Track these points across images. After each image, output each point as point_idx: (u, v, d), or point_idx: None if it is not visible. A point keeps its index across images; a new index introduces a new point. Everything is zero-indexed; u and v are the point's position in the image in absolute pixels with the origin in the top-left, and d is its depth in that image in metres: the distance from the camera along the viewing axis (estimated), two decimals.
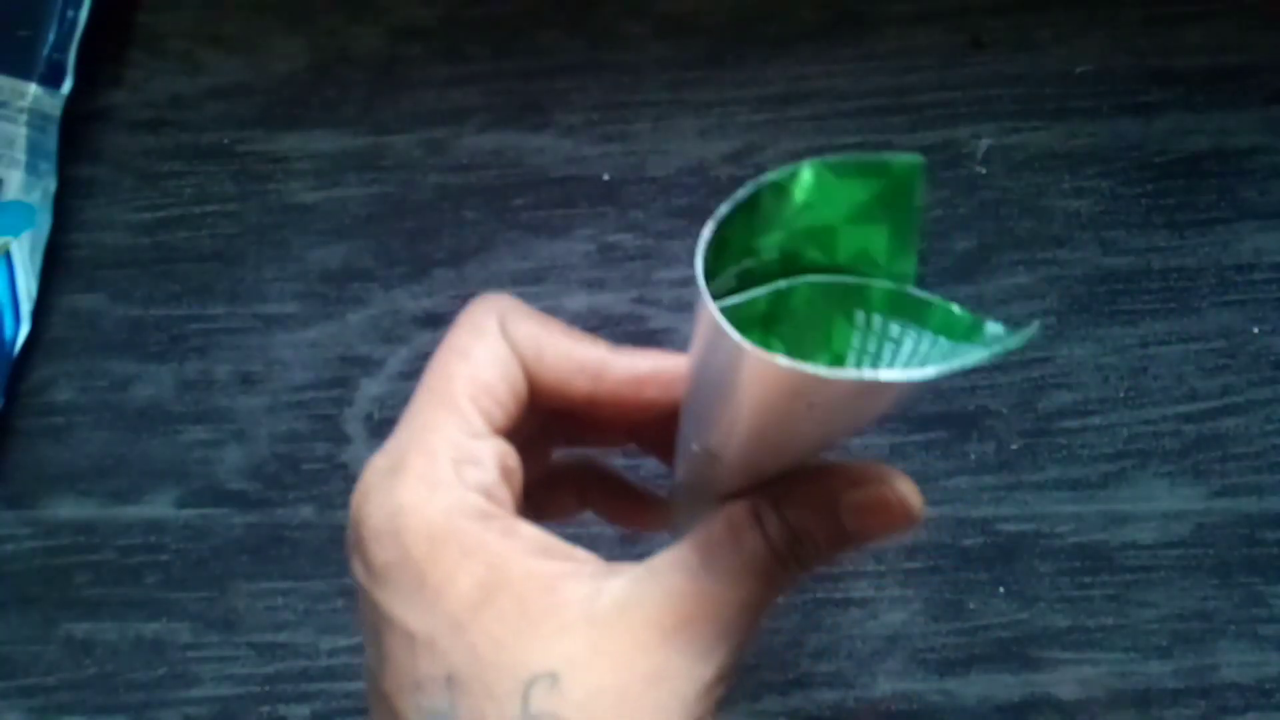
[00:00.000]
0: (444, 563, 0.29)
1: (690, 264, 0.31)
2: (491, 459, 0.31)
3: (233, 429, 0.49)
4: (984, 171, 0.48)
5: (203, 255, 0.50)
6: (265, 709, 0.47)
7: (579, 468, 0.38)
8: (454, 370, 0.32)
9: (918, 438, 0.47)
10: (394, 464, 0.31)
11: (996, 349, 0.26)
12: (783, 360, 0.25)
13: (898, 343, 0.30)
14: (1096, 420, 0.47)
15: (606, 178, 0.49)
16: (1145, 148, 0.48)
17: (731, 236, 0.29)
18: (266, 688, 0.47)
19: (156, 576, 0.48)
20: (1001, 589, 0.46)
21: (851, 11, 0.49)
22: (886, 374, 0.26)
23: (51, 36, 0.49)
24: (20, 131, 0.49)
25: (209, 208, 0.50)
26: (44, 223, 0.50)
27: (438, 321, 0.49)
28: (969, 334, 0.28)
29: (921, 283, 0.30)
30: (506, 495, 0.31)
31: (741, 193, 0.28)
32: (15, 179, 0.49)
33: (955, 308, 0.28)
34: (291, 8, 0.51)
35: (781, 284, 0.30)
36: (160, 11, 0.51)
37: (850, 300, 0.31)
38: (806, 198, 0.29)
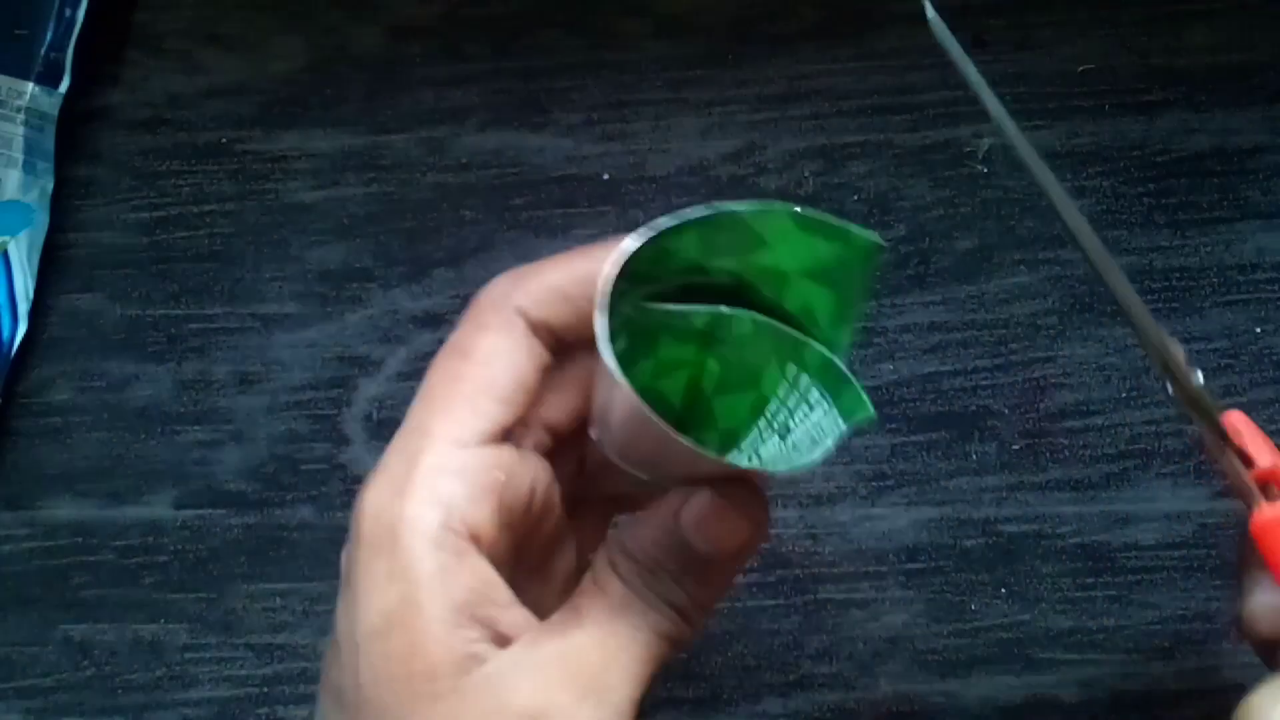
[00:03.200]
0: (371, 575, 0.28)
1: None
2: (475, 470, 0.29)
3: (231, 430, 0.49)
4: (985, 171, 0.48)
5: (201, 255, 0.50)
6: (263, 711, 0.47)
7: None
8: (452, 370, 0.30)
9: (918, 438, 0.47)
10: (380, 464, 0.30)
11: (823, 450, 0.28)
12: (634, 397, 0.27)
13: (811, 409, 0.30)
14: (1098, 420, 0.47)
15: (606, 177, 0.49)
16: (1147, 147, 0.48)
17: (679, 249, 0.29)
18: (265, 689, 0.47)
19: (155, 578, 0.48)
20: (1003, 590, 0.46)
21: (852, 10, 0.49)
22: (714, 454, 0.28)
23: (49, 35, 0.49)
24: (17, 131, 0.49)
25: (207, 207, 0.50)
26: (41, 222, 0.49)
27: (437, 321, 0.49)
28: (860, 421, 0.29)
29: (852, 352, 0.30)
30: (483, 513, 0.29)
31: (695, 212, 0.28)
32: (12, 178, 0.49)
33: (864, 394, 0.29)
34: (290, 7, 0.51)
35: (724, 309, 0.31)
36: (158, 10, 0.51)
37: (787, 351, 0.31)
38: (770, 238, 0.29)
